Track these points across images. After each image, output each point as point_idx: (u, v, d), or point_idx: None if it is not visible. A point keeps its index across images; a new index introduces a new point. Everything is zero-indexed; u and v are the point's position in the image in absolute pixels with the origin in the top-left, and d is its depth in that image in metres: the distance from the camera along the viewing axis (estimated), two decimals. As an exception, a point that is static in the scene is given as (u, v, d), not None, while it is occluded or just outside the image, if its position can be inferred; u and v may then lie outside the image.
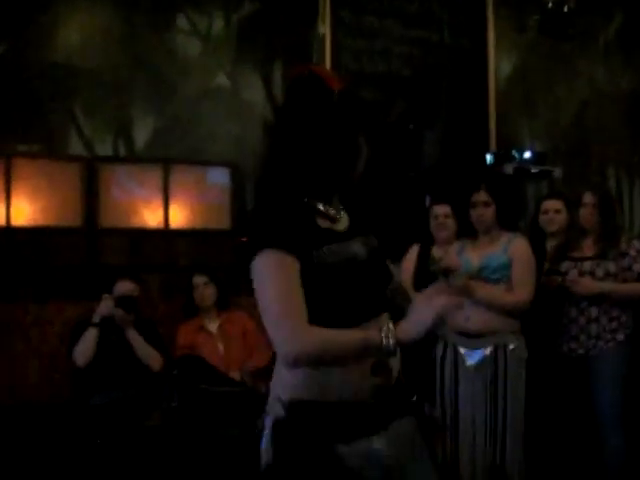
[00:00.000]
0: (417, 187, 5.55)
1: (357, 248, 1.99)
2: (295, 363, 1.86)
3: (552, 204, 4.61)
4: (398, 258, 4.79)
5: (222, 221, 5.43)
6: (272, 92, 5.58)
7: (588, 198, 4.19)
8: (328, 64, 5.57)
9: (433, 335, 4.05)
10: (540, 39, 6.43)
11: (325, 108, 1.97)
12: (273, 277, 1.87)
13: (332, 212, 2.02)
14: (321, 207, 2.00)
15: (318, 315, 1.85)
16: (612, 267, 4.06)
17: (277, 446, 1.93)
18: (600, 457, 4.03)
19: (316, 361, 1.86)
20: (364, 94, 5.74)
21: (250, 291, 5.13)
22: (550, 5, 6.29)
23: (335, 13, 5.64)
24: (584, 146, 6.67)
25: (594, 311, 4.05)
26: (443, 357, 4.02)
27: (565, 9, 6.34)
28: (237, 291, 5.02)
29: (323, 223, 1.99)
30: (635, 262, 4.06)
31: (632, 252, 4.09)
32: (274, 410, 1.95)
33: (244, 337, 4.83)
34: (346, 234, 2.01)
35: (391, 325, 1.81)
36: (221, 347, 4.78)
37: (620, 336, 4.04)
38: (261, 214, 1.95)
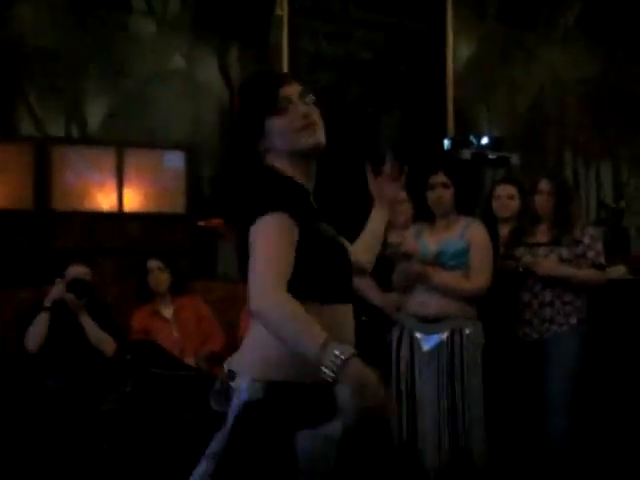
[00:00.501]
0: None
1: (330, 229, 2.09)
2: (256, 317, 1.89)
3: (505, 190, 4.66)
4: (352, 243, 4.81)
5: (177, 205, 5.42)
6: (229, 74, 5.55)
7: (544, 185, 4.23)
8: (285, 46, 5.56)
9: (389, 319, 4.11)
10: (499, 25, 6.48)
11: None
12: (270, 237, 1.90)
13: None
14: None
15: (303, 284, 1.90)
16: (565, 253, 4.10)
17: (247, 427, 1.93)
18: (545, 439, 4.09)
19: (270, 328, 1.85)
20: (322, 77, 5.75)
21: (205, 275, 5.11)
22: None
23: (293, -5, 5.63)
24: (542, 132, 6.76)
25: (548, 295, 4.10)
26: (399, 342, 4.04)
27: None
28: (193, 276, 5.02)
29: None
30: (589, 249, 4.11)
31: (586, 240, 4.13)
32: (249, 391, 1.94)
33: (199, 322, 4.84)
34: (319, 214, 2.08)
35: (346, 356, 1.77)
36: (176, 332, 4.78)
37: (573, 320, 4.10)
38: (265, 183, 2.00)
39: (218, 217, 5.24)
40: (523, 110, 6.74)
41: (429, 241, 3.96)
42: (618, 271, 5.43)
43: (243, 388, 1.95)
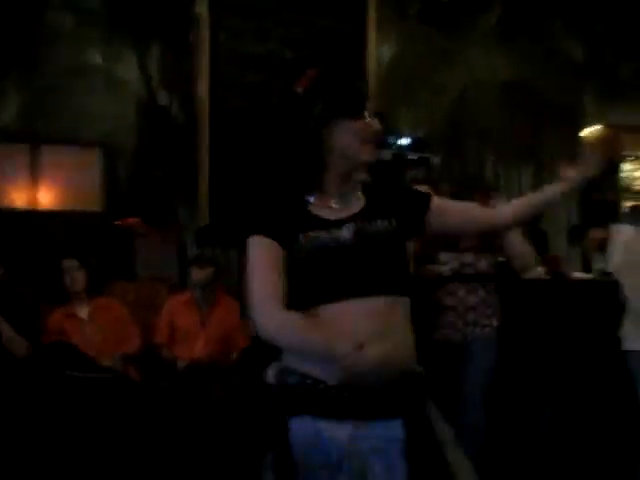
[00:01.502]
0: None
1: (344, 233, 2.12)
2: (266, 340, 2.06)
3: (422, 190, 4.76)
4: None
5: (94, 203, 5.40)
6: (148, 72, 5.55)
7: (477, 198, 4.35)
8: (206, 44, 5.58)
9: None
10: (420, 27, 6.61)
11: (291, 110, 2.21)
12: (255, 261, 2.12)
13: (331, 203, 2.18)
14: (312, 199, 2.18)
15: (301, 294, 2.07)
16: (492, 259, 4.27)
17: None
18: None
19: (279, 343, 2.07)
20: (244, 75, 5.79)
21: (123, 276, 5.10)
22: (431, -7, 6.49)
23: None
24: (462, 133, 6.92)
25: (472, 300, 4.27)
26: None
27: (445, -1, 6.56)
28: (110, 276, 5.02)
29: (319, 212, 2.16)
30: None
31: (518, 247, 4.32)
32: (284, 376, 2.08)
33: (115, 324, 4.85)
34: (338, 221, 2.14)
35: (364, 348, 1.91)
36: (91, 333, 4.78)
37: (495, 322, 4.28)
38: (250, 205, 2.20)
39: (135, 216, 5.25)
40: (444, 111, 6.88)
41: None
42: (536, 272, 5.59)
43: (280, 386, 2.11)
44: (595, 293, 5.21)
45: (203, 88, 5.62)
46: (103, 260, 4.97)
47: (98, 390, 4.26)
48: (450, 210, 2.31)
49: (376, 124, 2.17)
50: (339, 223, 2.13)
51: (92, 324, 4.80)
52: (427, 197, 2.29)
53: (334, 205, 2.17)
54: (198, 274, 4.89)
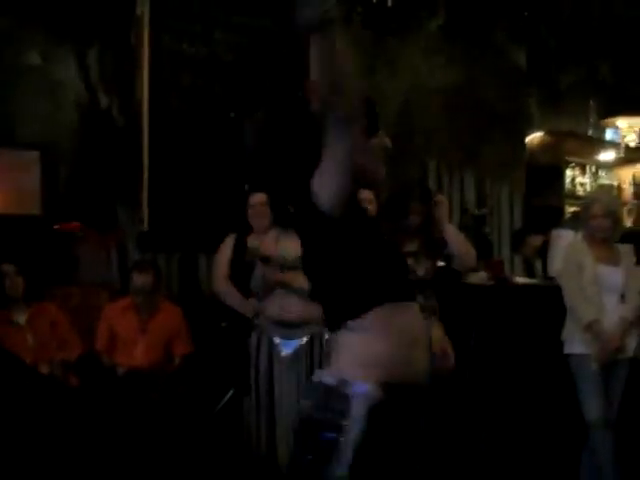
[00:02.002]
0: (235, 176, 5.64)
1: None
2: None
3: (364, 194, 4.80)
4: (215, 248, 4.88)
5: (33, 206, 5.32)
6: (88, 73, 5.51)
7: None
8: (147, 46, 5.56)
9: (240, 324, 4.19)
10: (364, 31, 6.65)
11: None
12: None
13: None
14: None
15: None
16: (431, 264, 4.36)
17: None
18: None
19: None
20: (184, 78, 5.77)
21: (63, 281, 5.00)
22: (374, 0, 6.53)
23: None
24: (407, 139, 6.96)
25: (419, 299, 4.31)
26: (258, 346, 4.11)
27: (389, 3, 6.61)
28: (49, 281, 4.96)
29: None
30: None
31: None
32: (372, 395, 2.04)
33: (54, 329, 4.81)
34: None
35: None
36: (30, 339, 4.74)
37: None
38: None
39: (76, 220, 5.20)
40: (388, 115, 6.93)
41: (289, 246, 4.02)
42: (479, 277, 5.66)
43: (364, 392, 2.02)
44: (538, 298, 5.29)
45: (143, 90, 5.58)
46: (43, 265, 4.90)
47: (35, 397, 4.21)
48: None
49: (387, 141, 2.31)
50: None
51: (30, 330, 4.76)
52: None
53: None
54: (139, 279, 4.86)
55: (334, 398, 2.02)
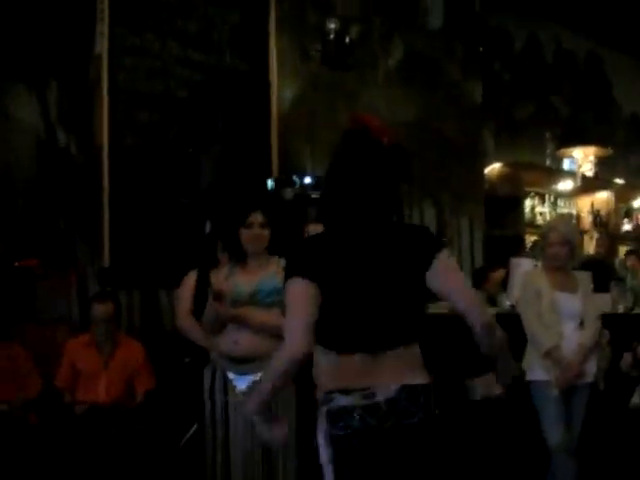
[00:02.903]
0: (194, 212, 5.66)
1: None
2: None
3: (315, 228, 4.84)
4: (176, 284, 4.88)
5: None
6: (47, 110, 5.50)
7: None
8: (105, 83, 5.58)
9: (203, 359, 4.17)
10: (323, 68, 6.73)
11: (378, 159, 2.44)
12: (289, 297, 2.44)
13: None
14: None
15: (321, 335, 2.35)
16: None
17: None
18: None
19: None
20: (141, 115, 5.79)
21: (23, 318, 4.91)
22: (332, 36, 6.62)
23: (112, 31, 5.68)
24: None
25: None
26: (212, 382, 4.09)
27: (346, 40, 6.70)
28: (9, 319, 4.93)
29: None
30: None
31: None
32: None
33: (13, 368, 4.75)
34: None
35: None
36: (-12, 378, 4.68)
37: None
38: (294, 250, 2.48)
39: (34, 257, 5.18)
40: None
41: (242, 281, 4.00)
42: (440, 306, 5.69)
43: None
44: (500, 325, 5.32)
45: (102, 127, 5.60)
46: (1, 303, 4.87)
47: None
48: None
49: None
50: None
51: (-11, 369, 4.71)
52: None
53: None
54: (98, 309, 4.85)
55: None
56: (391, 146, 2.46)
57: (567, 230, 4.66)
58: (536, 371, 4.47)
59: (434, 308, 5.51)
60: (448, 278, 2.39)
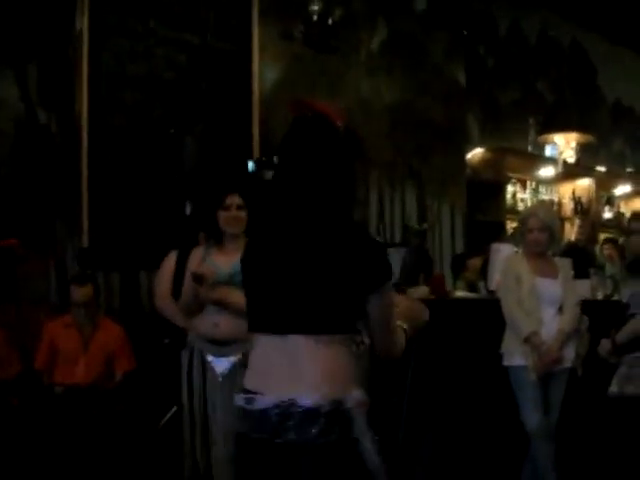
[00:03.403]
0: (175, 193, 5.64)
1: None
2: None
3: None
4: (156, 265, 4.87)
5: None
6: (27, 88, 5.46)
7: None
8: (86, 62, 5.55)
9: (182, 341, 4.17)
10: (305, 49, 6.72)
11: (334, 144, 2.24)
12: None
13: None
14: None
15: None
16: None
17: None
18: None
19: None
20: (124, 95, 5.76)
21: (3, 299, 4.89)
22: (315, 17, 6.60)
23: (94, 11, 5.63)
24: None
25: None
26: (190, 364, 4.09)
27: (329, 21, 6.69)
28: None
29: None
30: None
31: None
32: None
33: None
34: None
35: None
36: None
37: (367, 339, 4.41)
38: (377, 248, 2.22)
39: (13, 237, 5.15)
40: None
41: (220, 262, 4.01)
42: (421, 291, 5.71)
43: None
44: (478, 311, 5.36)
45: (83, 106, 5.57)
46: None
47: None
48: None
49: None
50: None
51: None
52: None
53: None
54: (78, 292, 4.84)
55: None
56: (346, 132, 2.31)
57: (547, 216, 4.68)
58: (514, 356, 4.50)
59: (413, 293, 5.55)
60: (377, 314, 2.23)
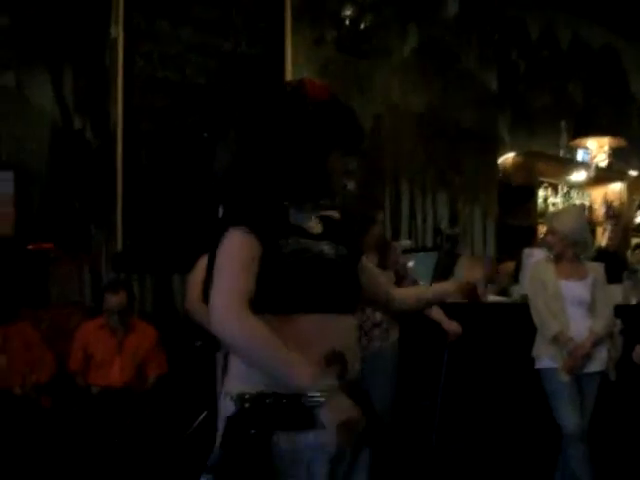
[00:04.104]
0: (208, 197, 5.65)
1: (326, 248, 2.12)
2: (221, 338, 1.98)
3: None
4: (189, 269, 4.90)
5: (5, 227, 5.30)
6: (62, 95, 5.52)
7: (380, 216, 4.61)
8: (120, 69, 5.60)
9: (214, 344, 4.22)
10: (337, 54, 6.73)
11: (298, 117, 2.10)
12: (231, 254, 2.02)
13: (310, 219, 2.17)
14: (293, 211, 2.12)
15: (278, 299, 2.02)
16: (392, 276, 4.45)
17: (226, 444, 1.99)
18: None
19: (238, 352, 2.01)
20: (157, 101, 5.80)
21: (37, 302, 5.01)
22: (347, 22, 6.61)
23: (128, 16, 5.69)
24: (378, 160, 7.03)
25: (378, 316, 4.40)
26: (225, 365, 4.13)
27: (361, 26, 6.69)
28: (23, 303, 4.95)
29: (298, 223, 2.12)
30: (407, 272, 4.76)
31: (401, 260, 4.84)
32: (225, 408, 2.03)
33: (27, 351, 4.80)
34: (318, 235, 2.14)
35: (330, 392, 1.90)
36: (3, 361, 4.70)
37: (394, 337, 4.41)
38: (237, 199, 2.09)
39: (49, 241, 5.20)
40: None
41: None
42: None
43: (221, 406, 2.06)
44: (510, 315, 5.35)
45: (117, 112, 5.62)
46: (15, 286, 4.90)
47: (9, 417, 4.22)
48: (366, 265, 2.38)
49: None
50: (320, 237, 2.13)
51: (4, 352, 4.74)
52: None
53: (312, 221, 2.17)
54: (112, 300, 4.88)
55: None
56: (322, 104, 2.14)
57: (555, 220, 4.68)
58: (544, 359, 4.49)
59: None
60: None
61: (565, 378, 4.37)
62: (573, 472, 4.38)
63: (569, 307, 4.47)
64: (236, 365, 2.07)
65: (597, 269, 4.67)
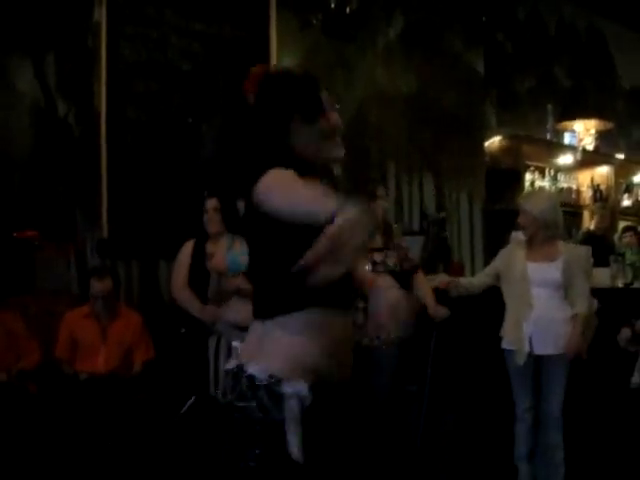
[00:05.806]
0: (193, 183, 5.65)
1: None
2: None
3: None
4: (175, 255, 4.90)
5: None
6: (45, 79, 5.47)
7: (381, 191, 4.82)
8: (104, 53, 5.56)
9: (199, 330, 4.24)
10: (322, 38, 6.70)
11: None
12: (292, 180, 1.98)
13: None
14: None
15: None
16: (394, 256, 4.67)
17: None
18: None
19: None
20: (141, 85, 5.76)
21: (22, 290, 4.95)
22: (332, 6, 6.58)
23: (112, 1, 5.61)
24: (364, 144, 7.01)
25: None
26: (217, 350, 4.16)
27: (347, 10, 6.66)
28: (8, 290, 4.94)
29: None
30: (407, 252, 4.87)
31: (404, 244, 4.90)
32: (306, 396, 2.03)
33: (12, 338, 4.78)
34: None
35: None
36: (-14, 348, 4.70)
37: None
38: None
39: (33, 229, 5.17)
40: (346, 121, 6.96)
41: (244, 252, 4.04)
42: (439, 278, 5.72)
43: (299, 393, 2.03)
44: (496, 298, 5.37)
45: (101, 97, 5.58)
46: (0, 274, 4.88)
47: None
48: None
49: (336, 118, 2.23)
50: None
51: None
52: None
53: None
54: (97, 286, 4.88)
55: (263, 392, 2.04)
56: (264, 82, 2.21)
57: (526, 202, 4.71)
58: (505, 341, 4.61)
59: (432, 282, 5.56)
60: None
61: (520, 361, 4.45)
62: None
63: (535, 288, 4.51)
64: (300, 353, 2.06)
65: (574, 251, 4.70)
